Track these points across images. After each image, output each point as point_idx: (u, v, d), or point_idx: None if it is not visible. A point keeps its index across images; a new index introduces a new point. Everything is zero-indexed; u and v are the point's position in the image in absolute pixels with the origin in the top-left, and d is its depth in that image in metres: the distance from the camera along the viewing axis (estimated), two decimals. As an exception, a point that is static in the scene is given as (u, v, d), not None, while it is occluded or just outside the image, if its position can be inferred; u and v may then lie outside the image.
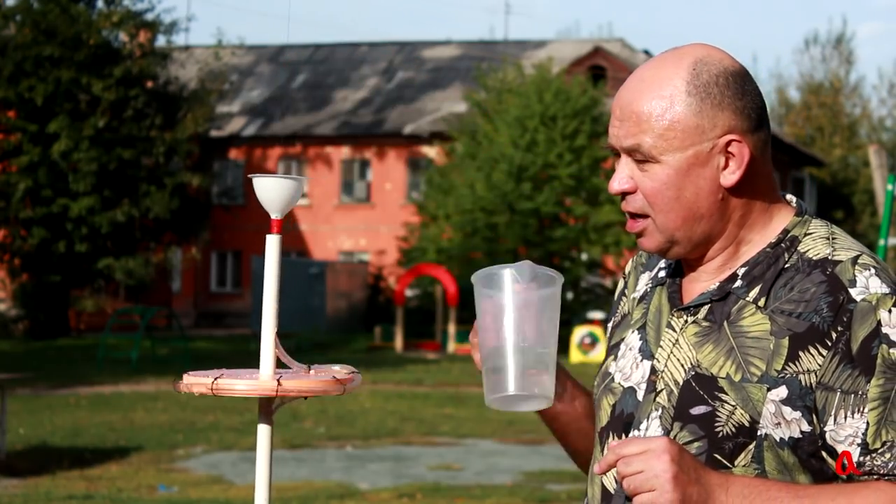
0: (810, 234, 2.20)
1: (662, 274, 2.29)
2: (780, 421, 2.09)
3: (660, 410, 2.16)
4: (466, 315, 34.86)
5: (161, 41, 36.48)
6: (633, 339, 2.28)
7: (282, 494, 11.17)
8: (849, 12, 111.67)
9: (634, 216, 2.18)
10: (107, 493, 11.10)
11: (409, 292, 36.90)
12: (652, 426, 2.16)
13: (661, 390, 2.17)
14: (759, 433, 2.09)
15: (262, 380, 2.15)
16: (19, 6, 34.29)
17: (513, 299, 2.16)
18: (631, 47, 48.40)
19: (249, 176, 2.19)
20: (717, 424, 2.11)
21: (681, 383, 2.15)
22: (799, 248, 2.18)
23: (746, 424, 2.09)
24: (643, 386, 2.20)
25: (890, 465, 2.07)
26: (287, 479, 11.95)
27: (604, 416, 2.26)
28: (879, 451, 2.07)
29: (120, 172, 34.16)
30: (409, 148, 46.68)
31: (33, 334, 35.29)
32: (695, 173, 2.15)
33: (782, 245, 2.18)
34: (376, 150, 47.22)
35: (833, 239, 2.18)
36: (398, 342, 32.50)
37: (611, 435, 2.23)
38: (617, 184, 2.18)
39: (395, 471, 12.76)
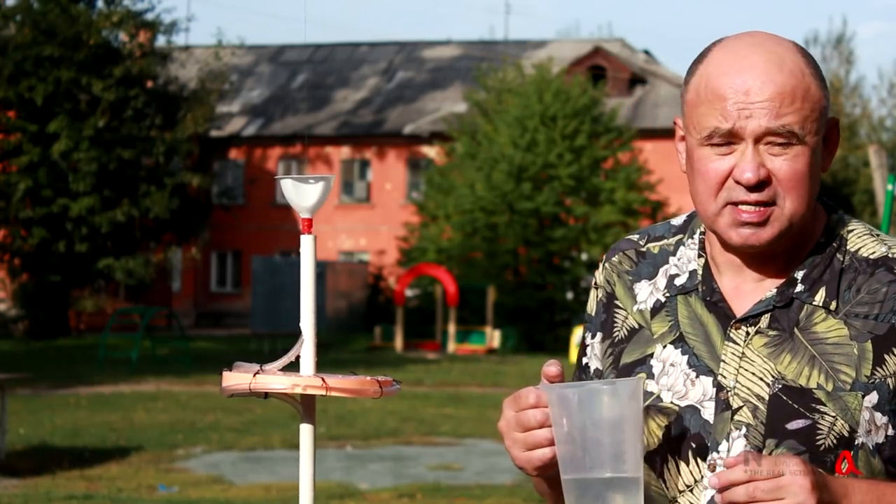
0: (852, 231, 2.13)
1: (682, 281, 2.16)
2: (872, 428, 2.03)
3: (743, 429, 2.04)
4: (466, 315, 34.87)
5: (161, 41, 36.53)
6: (669, 354, 2.12)
7: (282, 494, 11.17)
8: (849, 12, 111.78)
9: (759, 204, 2.02)
10: (107, 493, 11.10)
11: (409, 292, 36.90)
12: (735, 446, 2.04)
13: (741, 407, 2.04)
14: (856, 442, 2.03)
15: (306, 377, 2.11)
16: (19, 6, 34.30)
17: (610, 419, 1.95)
18: (631, 47, 48.40)
19: (277, 178, 2.18)
20: (818, 438, 2.02)
21: (766, 398, 2.04)
22: (848, 248, 2.11)
23: (846, 435, 2.02)
24: (708, 404, 2.06)
25: None
26: (287, 479, 11.95)
27: (652, 439, 2.10)
28: None
29: (120, 172, 34.17)
30: (409, 148, 46.68)
31: (33, 334, 35.29)
32: (819, 155, 2.07)
33: (833, 245, 2.11)
34: (376, 150, 47.22)
35: (879, 236, 2.13)
36: (398, 342, 32.50)
37: (671, 460, 2.09)
38: (753, 173, 2.00)
39: (395, 471, 12.76)
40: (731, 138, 2.02)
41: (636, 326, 2.17)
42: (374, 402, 18.87)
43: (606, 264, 2.26)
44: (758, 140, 2.01)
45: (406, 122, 46.72)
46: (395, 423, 16.57)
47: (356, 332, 38.54)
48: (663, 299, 2.16)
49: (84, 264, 35.15)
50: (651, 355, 2.13)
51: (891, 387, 2.03)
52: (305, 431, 2.14)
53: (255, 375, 2.06)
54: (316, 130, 47.30)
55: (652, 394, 2.11)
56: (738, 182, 2.01)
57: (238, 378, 2.08)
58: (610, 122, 37.34)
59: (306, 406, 2.14)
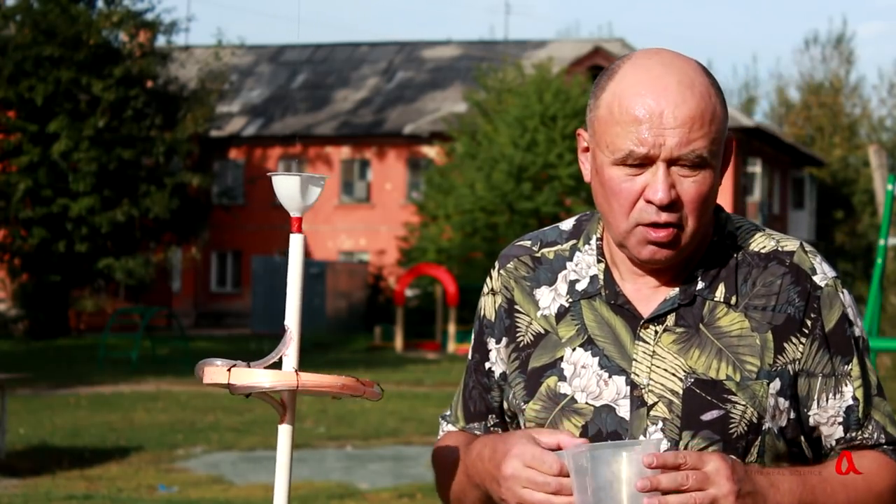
0: (740, 228, 2.23)
1: (583, 286, 2.23)
2: (776, 413, 2.15)
3: (660, 423, 2.13)
4: (466, 315, 34.88)
5: (161, 41, 36.50)
6: (580, 357, 2.19)
7: (282, 494, 11.16)
8: (849, 12, 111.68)
9: (667, 226, 2.11)
10: (107, 493, 11.10)
11: (409, 292, 36.91)
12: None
13: (657, 402, 2.14)
14: (763, 427, 2.14)
15: (280, 372, 2.10)
16: (19, 6, 34.29)
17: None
18: (631, 47, 48.40)
19: (268, 174, 2.18)
20: (731, 426, 2.13)
21: (680, 392, 2.13)
22: (739, 244, 2.21)
23: (755, 421, 2.13)
24: (623, 402, 2.15)
25: (875, 435, 2.19)
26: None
27: None
28: (865, 424, 2.18)
29: (120, 172, 34.17)
30: (409, 148, 46.69)
31: (33, 334, 35.29)
32: (719, 175, 2.16)
33: (726, 242, 2.20)
34: (376, 150, 47.23)
35: (766, 231, 2.23)
36: (398, 342, 32.50)
37: None
38: (665, 194, 2.08)
39: (395, 471, 12.76)
40: (644, 160, 2.09)
41: (542, 331, 2.24)
42: (374, 402, 18.84)
43: (502, 271, 2.31)
44: (670, 163, 2.09)
45: (406, 122, 46.72)
46: (395, 423, 16.58)
47: (356, 332, 38.54)
48: (567, 304, 2.23)
49: (84, 264, 35.15)
50: (561, 358, 2.21)
51: (791, 373, 2.15)
52: (283, 432, 2.15)
53: (229, 370, 2.07)
54: (316, 130, 47.30)
55: (566, 395, 2.19)
56: (649, 202, 2.09)
57: (214, 374, 2.08)
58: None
59: (286, 406, 2.14)
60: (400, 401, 18.83)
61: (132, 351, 26.75)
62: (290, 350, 2.10)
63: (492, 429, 2.33)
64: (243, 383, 2.05)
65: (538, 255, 2.30)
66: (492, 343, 2.30)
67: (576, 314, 2.22)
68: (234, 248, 48.10)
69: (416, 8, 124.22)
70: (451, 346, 32.27)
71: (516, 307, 2.28)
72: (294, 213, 2.10)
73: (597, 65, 44.49)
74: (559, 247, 2.29)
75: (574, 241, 2.28)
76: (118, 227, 34.20)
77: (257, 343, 32.73)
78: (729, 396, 2.12)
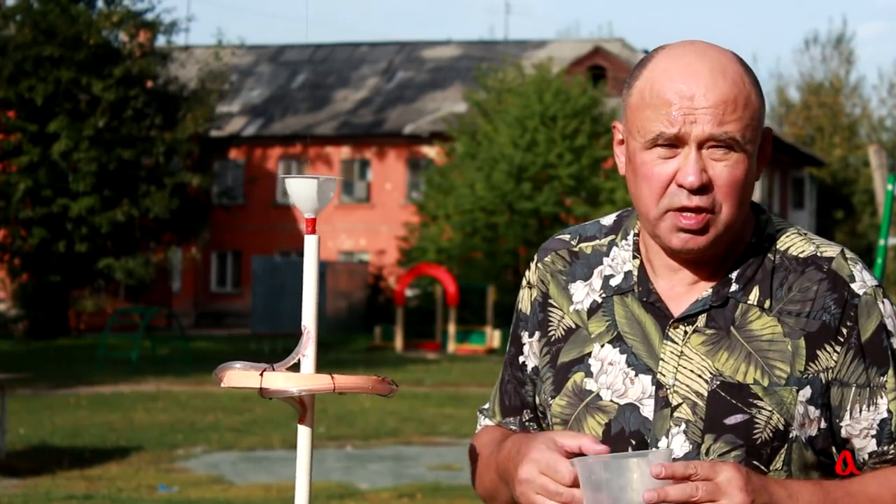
0: (781, 231, 2.19)
1: (617, 282, 2.20)
2: (806, 421, 2.09)
3: (683, 425, 2.09)
4: (466, 315, 34.87)
5: (161, 41, 36.50)
6: (608, 353, 2.17)
7: (282, 494, 11.18)
8: (849, 12, 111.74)
9: (699, 211, 2.07)
10: (107, 493, 11.10)
11: (409, 292, 36.90)
12: (675, 442, 2.09)
13: (681, 404, 2.10)
14: (790, 435, 2.09)
15: (313, 376, 2.07)
16: (19, 6, 34.29)
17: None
18: (631, 47, 48.39)
19: (282, 176, 2.19)
20: (755, 431, 2.08)
21: (705, 394, 2.09)
22: (778, 247, 2.16)
23: (781, 428, 2.08)
24: (648, 402, 2.12)
25: None
26: (287, 479, 11.94)
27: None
28: None
29: (120, 172, 34.16)
30: (409, 148, 46.68)
31: (33, 334, 35.28)
32: (755, 163, 2.13)
33: (764, 245, 2.16)
34: (376, 150, 47.22)
35: (807, 235, 2.19)
36: (398, 342, 32.50)
37: None
38: (696, 177, 2.05)
39: (395, 471, 12.76)
40: (675, 142, 2.07)
41: (573, 326, 2.22)
42: (374, 402, 18.86)
43: (539, 264, 2.29)
44: (701, 145, 2.06)
45: (406, 122, 46.71)
46: (395, 423, 16.57)
47: (356, 332, 38.53)
48: (600, 300, 2.21)
49: (84, 264, 35.15)
50: (589, 354, 2.18)
51: (823, 382, 2.10)
52: (303, 433, 2.13)
53: (261, 375, 2.05)
54: (316, 130, 47.30)
55: (591, 392, 2.16)
56: (681, 186, 2.06)
57: (244, 378, 2.06)
58: (610, 122, 37.30)
59: (306, 406, 2.13)
60: (400, 401, 18.82)
61: (132, 351, 26.74)
62: (308, 351, 2.10)
63: (527, 424, 2.31)
64: (277, 387, 2.03)
65: (576, 249, 2.27)
66: (525, 336, 2.28)
67: (607, 310, 2.19)
68: (234, 248, 48.09)
69: (416, 8, 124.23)
70: (451, 346, 32.26)
71: (550, 301, 2.26)
72: (308, 215, 2.10)
73: (597, 65, 44.48)
74: (597, 241, 2.27)
75: (613, 237, 2.26)
76: (118, 227, 34.19)
77: (257, 343, 32.72)
78: (755, 401, 2.08)
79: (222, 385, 2.08)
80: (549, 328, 2.24)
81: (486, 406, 2.43)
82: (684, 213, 2.07)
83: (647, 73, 2.12)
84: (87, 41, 33.84)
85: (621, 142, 2.18)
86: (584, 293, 2.23)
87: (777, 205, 51.34)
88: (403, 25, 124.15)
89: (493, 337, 32.82)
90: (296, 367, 2.10)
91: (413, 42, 51.92)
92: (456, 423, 16.65)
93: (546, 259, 2.29)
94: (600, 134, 36.95)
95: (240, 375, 2.05)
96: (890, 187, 9.46)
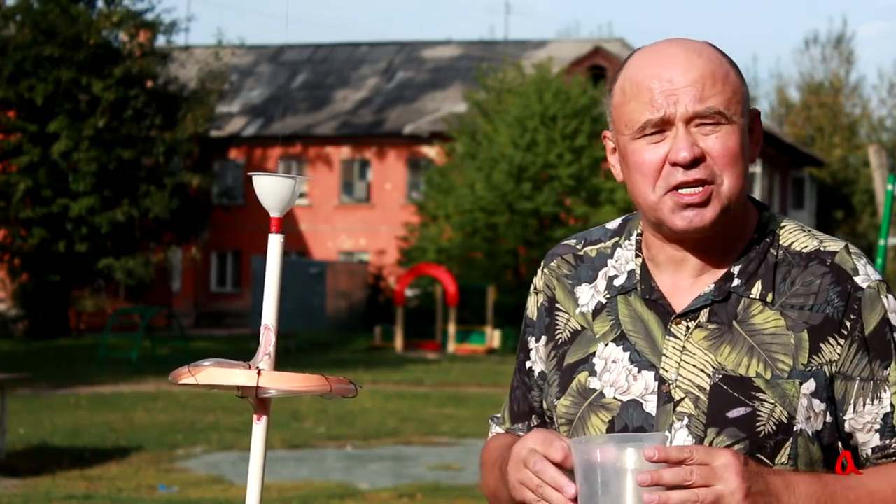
0: (784, 227, 2.19)
1: (621, 282, 2.21)
2: (811, 415, 2.09)
3: (685, 419, 2.09)
4: (466, 315, 34.87)
5: (161, 41, 36.52)
6: (612, 352, 2.17)
7: (282, 494, 11.17)
8: (849, 12, 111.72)
9: (698, 184, 2.07)
10: (107, 493, 11.10)
11: (409, 292, 36.90)
12: (677, 437, 2.09)
13: (683, 398, 2.10)
14: (795, 429, 2.08)
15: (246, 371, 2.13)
16: (19, 6, 34.29)
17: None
18: (631, 47, 48.40)
19: (249, 174, 2.20)
20: (758, 424, 2.08)
21: (707, 388, 2.09)
22: (781, 243, 2.17)
23: (785, 421, 2.08)
24: (651, 397, 2.12)
25: None
26: (287, 479, 11.95)
27: (596, 434, 2.16)
28: None
29: (120, 172, 34.17)
30: (409, 148, 46.68)
31: (33, 334, 35.28)
32: (747, 137, 2.13)
33: (767, 240, 2.16)
34: (376, 150, 47.22)
35: (811, 231, 2.20)
36: (398, 342, 32.50)
37: None
38: (688, 151, 2.05)
39: (395, 471, 12.76)
40: (662, 126, 2.09)
41: (578, 328, 2.23)
42: (374, 402, 18.87)
43: (545, 269, 2.31)
44: (688, 122, 2.07)
45: (406, 122, 46.72)
46: (395, 423, 16.57)
47: (356, 332, 38.53)
48: (604, 301, 2.22)
49: (84, 264, 35.15)
50: (593, 354, 2.19)
51: (827, 375, 2.10)
52: (257, 430, 2.19)
53: (259, 374, 2.09)
54: (316, 130, 47.30)
55: (595, 391, 2.17)
56: (674, 164, 2.07)
57: (181, 373, 2.12)
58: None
59: (259, 404, 2.17)
60: (400, 401, 18.83)
61: (132, 351, 26.74)
62: (271, 349, 2.14)
63: (535, 429, 2.29)
64: (280, 387, 2.09)
65: (581, 253, 2.29)
66: (532, 342, 2.30)
67: (611, 310, 2.20)
68: (234, 248, 48.10)
69: (416, 8, 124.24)
70: (451, 346, 32.27)
71: (557, 305, 2.27)
72: (274, 214, 2.11)
73: (597, 65, 44.48)
74: (602, 244, 2.28)
75: (617, 239, 2.27)
76: (118, 227, 34.19)
77: (257, 343, 32.71)
78: (757, 394, 2.07)
79: (198, 382, 2.12)
80: (556, 332, 2.26)
81: (498, 414, 2.43)
82: (684, 190, 2.07)
83: (624, 73, 2.16)
84: (87, 41, 33.85)
85: (614, 149, 2.21)
86: (589, 295, 2.24)
87: (777, 205, 51.34)
88: (403, 25, 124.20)
89: (493, 337, 32.83)
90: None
91: (413, 42, 51.92)
92: (456, 423, 16.65)
93: (552, 264, 2.30)
94: (600, 134, 36.94)
95: (219, 373, 2.10)
96: (890, 187, 9.46)
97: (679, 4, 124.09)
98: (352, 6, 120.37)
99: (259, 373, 2.08)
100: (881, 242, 9.56)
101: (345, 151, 47.53)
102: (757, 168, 48.02)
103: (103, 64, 34.09)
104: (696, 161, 2.06)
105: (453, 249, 36.57)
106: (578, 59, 44.83)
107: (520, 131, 36.08)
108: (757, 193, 48.13)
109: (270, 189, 2.10)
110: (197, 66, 39.27)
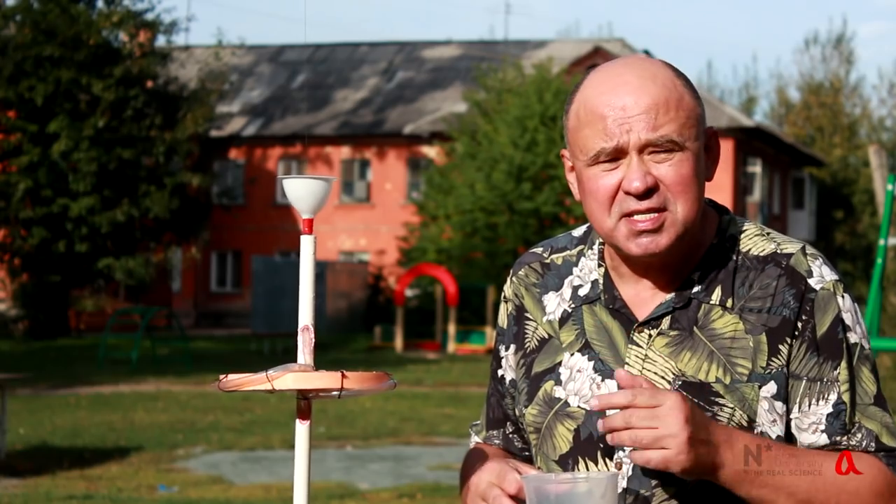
0: (744, 231, 2.20)
1: (585, 291, 2.23)
2: (775, 417, 2.11)
3: None
4: (466, 315, 34.87)
5: (161, 41, 36.51)
6: (576, 361, 2.19)
7: (282, 494, 11.18)
8: (849, 12, 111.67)
9: (651, 211, 2.08)
10: (107, 493, 11.10)
11: (409, 292, 36.90)
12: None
13: None
14: (756, 432, 2.10)
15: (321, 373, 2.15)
16: (19, 6, 34.29)
17: None
18: (631, 47, 48.40)
19: (280, 178, 2.19)
20: None
21: None
22: (741, 248, 2.18)
23: (745, 425, 2.10)
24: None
25: (864, 443, 2.12)
26: (287, 478, 11.94)
27: (562, 444, 2.19)
28: (852, 431, 2.12)
29: (120, 172, 34.17)
30: (409, 148, 46.69)
31: (33, 334, 35.29)
32: (702, 161, 2.14)
33: (726, 245, 2.18)
34: (376, 150, 47.23)
35: (769, 234, 2.21)
36: (398, 342, 32.50)
37: (581, 461, 2.16)
38: (641, 182, 2.07)
39: (395, 471, 12.76)
40: (616, 154, 2.09)
41: (546, 337, 2.26)
42: (374, 402, 18.86)
43: (514, 278, 2.33)
44: (641, 151, 2.09)
45: (406, 122, 46.72)
46: (395, 423, 16.57)
47: (356, 332, 38.53)
48: (570, 309, 2.24)
49: (84, 264, 35.15)
50: (560, 363, 2.21)
51: (785, 376, 2.11)
52: (301, 431, 2.17)
53: (268, 377, 2.10)
54: (316, 130, 47.31)
55: (559, 399, 2.20)
56: (627, 193, 2.08)
57: (254, 379, 2.09)
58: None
59: (304, 406, 2.16)
60: (400, 401, 18.82)
61: (132, 351, 26.74)
62: (308, 350, 2.14)
63: (510, 436, 2.35)
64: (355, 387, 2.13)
65: (548, 261, 2.31)
66: (503, 350, 2.33)
67: (577, 319, 2.23)
68: (234, 248, 48.10)
69: (416, 8, 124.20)
70: (451, 346, 32.27)
71: (525, 314, 2.29)
72: (305, 215, 2.11)
73: (597, 65, 44.31)
74: (568, 252, 2.30)
75: (582, 247, 2.29)
76: (118, 227, 34.20)
77: (257, 343, 32.72)
78: (716, 399, 2.09)
79: (274, 388, 2.12)
80: (525, 340, 2.28)
81: (477, 421, 2.46)
82: (638, 217, 2.09)
83: (579, 95, 2.16)
84: (87, 41, 33.85)
85: (571, 168, 2.20)
86: (555, 303, 2.27)
87: (777, 205, 51.35)
88: (403, 25, 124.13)
89: (493, 337, 32.77)
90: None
91: (413, 42, 51.93)
92: (456, 423, 16.65)
93: (520, 272, 2.33)
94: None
95: (302, 378, 2.13)
96: (890, 187, 9.46)
97: (679, 4, 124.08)
98: (352, 6, 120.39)
99: (344, 375, 2.10)
100: (881, 242, 9.56)
101: (345, 151, 47.54)
102: (757, 168, 48.02)
103: (103, 64, 34.10)
104: (650, 191, 2.08)
105: (453, 249, 36.57)
106: (578, 59, 44.83)
107: (520, 131, 36.08)
108: (757, 193, 48.14)
109: (306, 191, 2.10)
110: (197, 66, 39.27)
